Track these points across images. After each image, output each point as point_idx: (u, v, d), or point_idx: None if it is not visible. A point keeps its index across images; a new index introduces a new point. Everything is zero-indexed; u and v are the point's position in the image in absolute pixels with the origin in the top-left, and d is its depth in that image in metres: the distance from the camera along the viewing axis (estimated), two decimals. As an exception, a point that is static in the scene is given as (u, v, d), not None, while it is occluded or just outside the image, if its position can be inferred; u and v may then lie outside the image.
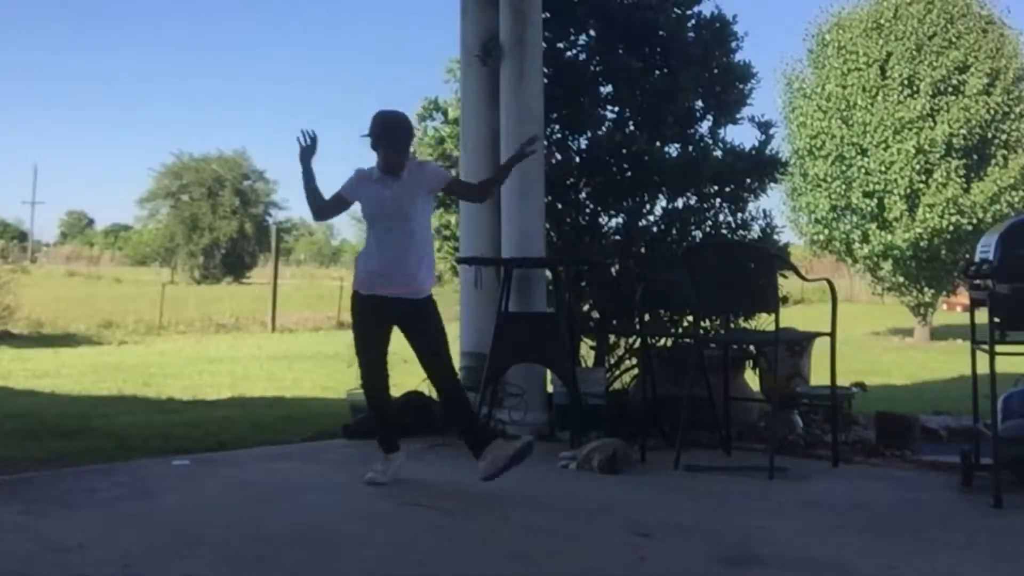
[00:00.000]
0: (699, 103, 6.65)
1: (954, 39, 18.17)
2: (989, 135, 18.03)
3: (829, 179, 18.60)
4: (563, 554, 3.59)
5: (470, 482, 4.42)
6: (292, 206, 52.86)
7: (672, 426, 5.33)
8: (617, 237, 6.50)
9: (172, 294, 21.52)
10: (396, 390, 5.01)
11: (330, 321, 20.56)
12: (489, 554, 3.60)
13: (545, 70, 6.23)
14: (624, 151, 6.34)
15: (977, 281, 4.47)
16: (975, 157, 17.98)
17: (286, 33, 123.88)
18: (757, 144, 6.58)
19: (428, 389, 5.95)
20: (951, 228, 17.63)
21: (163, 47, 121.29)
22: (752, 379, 6.26)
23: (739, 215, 6.59)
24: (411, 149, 4.85)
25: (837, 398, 5.35)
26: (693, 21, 6.66)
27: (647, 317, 6.09)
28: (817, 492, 4.60)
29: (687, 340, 5.88)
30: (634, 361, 6.27)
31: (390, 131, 4.56)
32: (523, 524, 4.00)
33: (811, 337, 5.66)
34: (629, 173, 6.39)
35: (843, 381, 5.60)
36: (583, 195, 6.58)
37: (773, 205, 21.50)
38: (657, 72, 6.57)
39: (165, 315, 18.57)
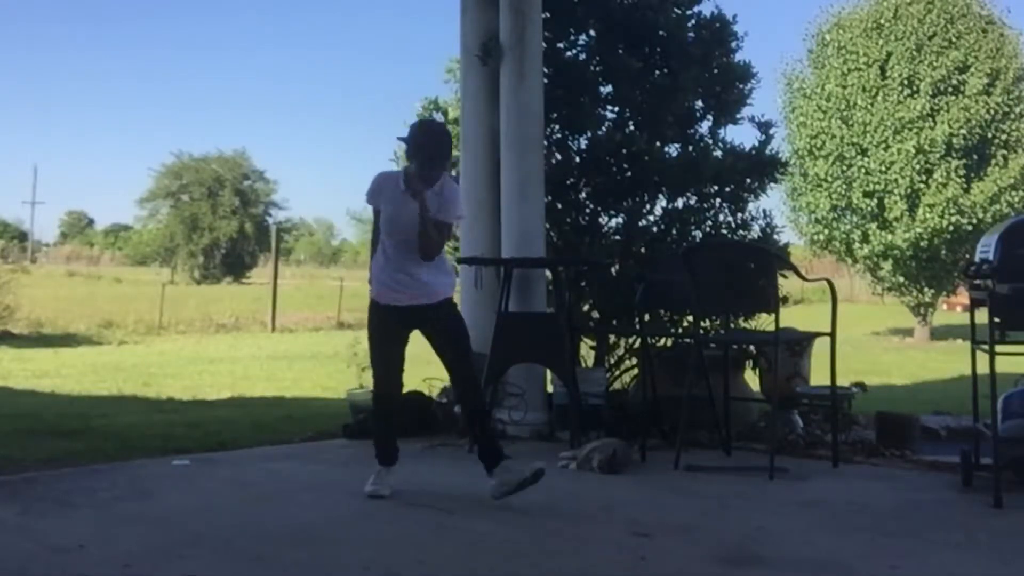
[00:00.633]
0: (699, 103, 6.65)
1: (954, 39, 18.18)
2: (989, 135, 18.05)
3: (829, 179, 18.61)
4: (563, 554, 3.59)
5: (470, 482, 4.41)
6: (292, 206, 52.94)
7: (672, 426, 5.33)
8: (617, 237, 6.51)
9: (172, 294, 21.51)
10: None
11: (330, 321, 20.58)
12: (489, 554, 3.59)
13: (545, 70, 6.23)
14: (624, 151, 6.34)
15: (977, 281, 4.47)
16: (975, 157, 18.00)
17: (286, 33, 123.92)
18: (757, 144, 6.58)
19: (428, 389, 5.98)
20: (951, 228, 17.65)
21: (163, 47, 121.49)
22: (752, 379, 6.26)
23: (739, 215, 6.59)
24: (448, 161, 4.62)
25: (837, 398, 5.34)
26: (693, 21, 6.66)
27: (647, 317, 6.09)
28: (817, 492, 4.59)
29: (687, 340, 5.89)
30: (634, 361, 6.27)
31: (425, 148, 4.30)
32: (523, 524, 4.00)
33: (811, 337, 5.66)
34: (629, 173, 6.38)
35: (843, 381, 5.59)
36: (583, 195, 6.58)
37: (773, 205, 21.46)
38: (657, 72, 6.57)
39: (165, 315, 18.56)
